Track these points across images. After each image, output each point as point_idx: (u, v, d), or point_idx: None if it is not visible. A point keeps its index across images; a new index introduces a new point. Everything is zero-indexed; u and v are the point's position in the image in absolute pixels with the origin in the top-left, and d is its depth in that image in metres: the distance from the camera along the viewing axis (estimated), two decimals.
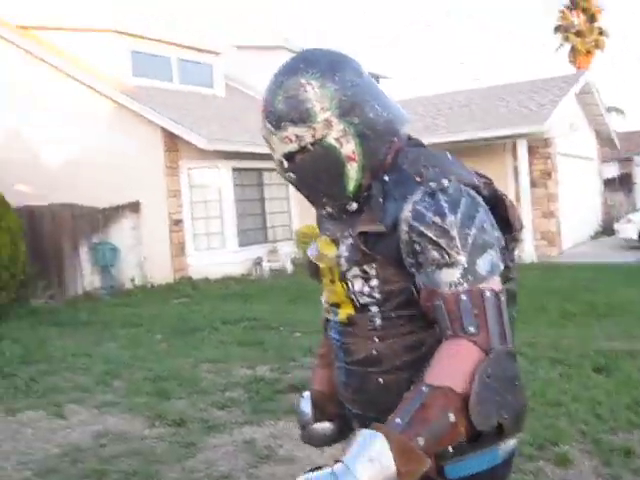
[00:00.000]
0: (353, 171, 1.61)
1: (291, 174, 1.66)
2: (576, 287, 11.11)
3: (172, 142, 14.47)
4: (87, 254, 13.48)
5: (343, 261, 1.65)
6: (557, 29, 36.88)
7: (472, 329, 1.42)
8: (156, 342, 8.59)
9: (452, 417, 1.37)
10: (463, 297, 1.44)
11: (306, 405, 2.01)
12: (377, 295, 1.61)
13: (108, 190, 14.05)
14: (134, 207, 14.47)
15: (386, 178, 1.62)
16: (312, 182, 1.66)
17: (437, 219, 1.48)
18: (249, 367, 7.03)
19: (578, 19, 36.47)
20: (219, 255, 14.91)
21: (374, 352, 1.66)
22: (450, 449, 1.48)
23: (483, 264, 1.47)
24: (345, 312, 1.71)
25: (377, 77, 27.34)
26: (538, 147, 16.29)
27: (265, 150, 1.75)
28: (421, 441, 1.35)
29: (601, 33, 36.34)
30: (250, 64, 20.52)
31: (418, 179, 1.55)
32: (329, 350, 1.94)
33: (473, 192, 1.55)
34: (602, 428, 4.79)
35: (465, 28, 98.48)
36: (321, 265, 1.76)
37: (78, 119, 14.88)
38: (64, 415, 5.79)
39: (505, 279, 1.58)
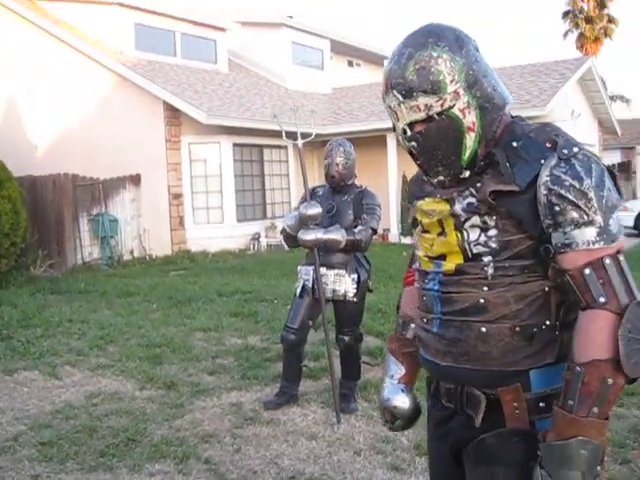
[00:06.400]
0: (471, 141, 1.73)
1: (413, 142, 1.76)
2: None
3: (173, 116, 14.61)
4: (87, 225, 13.64)
5: (461, 212, 1.76)
6: (566, 14, 36.50)
7: (602, 299, 1.59)
8: (151, 311, 8.77)
9: (610, 380, 1.56)
10: (586, 271, 1.60)
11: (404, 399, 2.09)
12: (493, 245, 1.73)
13: (109, 162, 14.20)
14: (135, 179, 14.63)
15: (514, 144, 1.73)
16: (432, 150, 1.75)
17: (575, 183, 1.61)
18: (240, 337, 7.22)
19: (587, 5, 36.17)
20: (218, 229, 15.08)
21: (481, 301, 1.75)
22: (542, 404, 1.71)
23: (614, 224, 1.63)
24: (453, 262, 1.80)
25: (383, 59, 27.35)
26: None
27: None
28: (595, 410, 1.57)
29: (610, 21, 35.94)
30: (254, 41, 20.54)
31: (549, 145, 1.69)
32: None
33: (596, 158, 1.68)
34: None
35: (469, 4, 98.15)
36: (428, 220, 1.86)
37: (80, 90, 15.00)
38: (59, 376, 5.98)
39: None
